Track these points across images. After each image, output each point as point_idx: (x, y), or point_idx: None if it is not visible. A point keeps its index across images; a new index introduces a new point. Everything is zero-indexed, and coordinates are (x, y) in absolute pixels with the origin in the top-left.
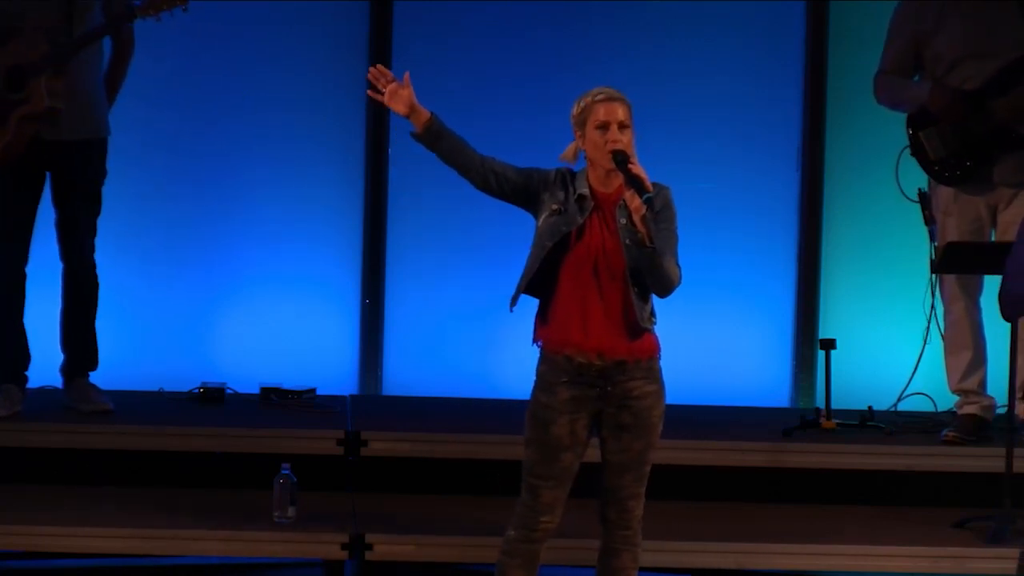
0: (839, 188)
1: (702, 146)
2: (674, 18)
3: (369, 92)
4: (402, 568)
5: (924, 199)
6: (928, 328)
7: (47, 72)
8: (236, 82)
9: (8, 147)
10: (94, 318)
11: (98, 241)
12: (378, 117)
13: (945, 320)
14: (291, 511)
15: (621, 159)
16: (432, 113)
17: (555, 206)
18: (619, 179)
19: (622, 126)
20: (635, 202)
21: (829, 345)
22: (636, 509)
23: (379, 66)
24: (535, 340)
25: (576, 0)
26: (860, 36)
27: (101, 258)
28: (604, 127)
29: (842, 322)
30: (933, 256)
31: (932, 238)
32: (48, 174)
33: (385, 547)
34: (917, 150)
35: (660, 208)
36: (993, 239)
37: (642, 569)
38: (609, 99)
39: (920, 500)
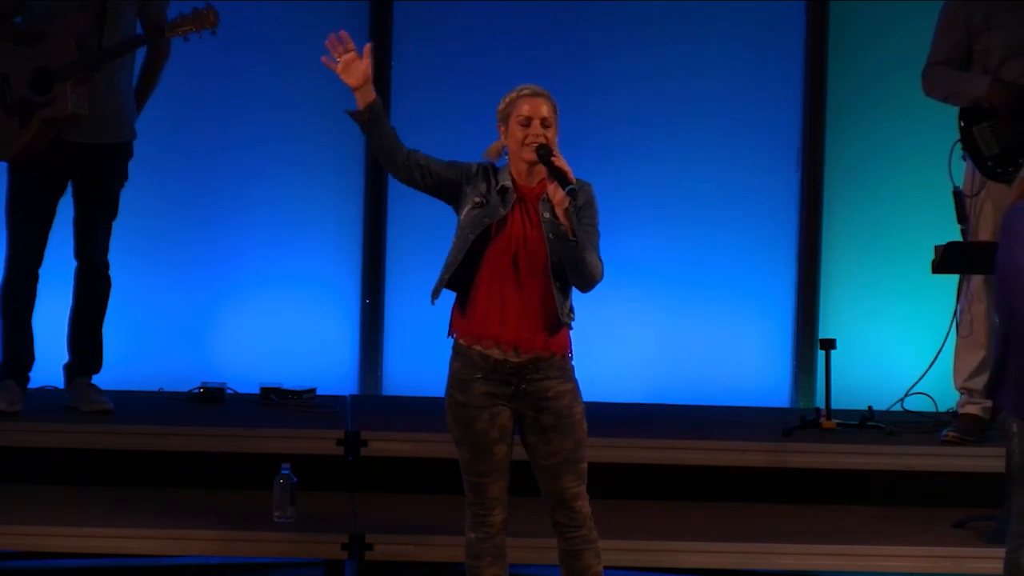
0: (839, 188)
1: (702, 146)
2: (674, 18)
3: (323, 59)
4: (402, 568)
5: (958, 197)
6: (951, 324)
7: (73, 78)
8: (236, 82)
9: (28, 146)
10: (102, 319)
11: None
12: None
13: (962, 317)
14: (291, 511)
15: (544, 152)
16: (376, 97)
17: (477, 199)
18: (541, 174)
19: (545, 123)
20: (558, 195)
21: (829, 345)
22: (583, 508)
23: (342, 32)
24: (450, 332)
25: (576, 0)
26: (860, 36)
27: None
28: (526, 123)
29: (842, 322)
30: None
31: (964, 237)
32: (70, 175)
33: (385, 547)
34: (969, 145)
35: (582, 204)
36: None
37: (642, 569)
38: (534, 95)
39: (920, 500)
